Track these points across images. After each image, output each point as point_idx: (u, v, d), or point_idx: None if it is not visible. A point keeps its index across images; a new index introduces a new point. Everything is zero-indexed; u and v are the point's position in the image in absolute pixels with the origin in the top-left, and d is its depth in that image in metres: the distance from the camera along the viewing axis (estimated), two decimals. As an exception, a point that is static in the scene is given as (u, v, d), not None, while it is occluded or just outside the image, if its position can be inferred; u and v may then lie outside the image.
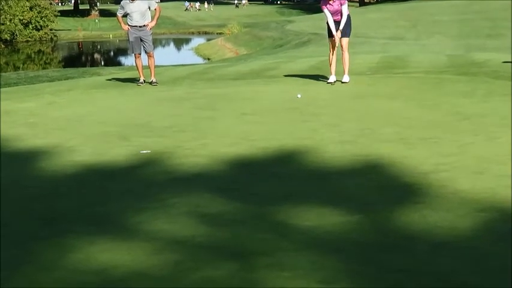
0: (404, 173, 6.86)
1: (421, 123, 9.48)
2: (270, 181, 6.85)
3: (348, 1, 14.64)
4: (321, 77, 15.39)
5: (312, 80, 15.25)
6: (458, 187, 6.24)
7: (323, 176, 6.97)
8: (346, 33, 14.66)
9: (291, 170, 7.29)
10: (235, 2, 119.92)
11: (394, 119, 9.87)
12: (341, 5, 14.43)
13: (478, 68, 16.57)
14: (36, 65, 48.14)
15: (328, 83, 14.59)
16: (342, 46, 14.70)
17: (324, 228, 5.31)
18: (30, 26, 69.85)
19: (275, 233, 5.23)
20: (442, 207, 5.70)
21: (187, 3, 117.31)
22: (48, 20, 72.12)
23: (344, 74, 14.65)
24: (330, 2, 14.40)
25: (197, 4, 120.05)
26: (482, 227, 5.22)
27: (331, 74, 14.78)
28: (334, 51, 14.78)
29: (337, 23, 14.61)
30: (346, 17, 14.52)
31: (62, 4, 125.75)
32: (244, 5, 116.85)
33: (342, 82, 14.47)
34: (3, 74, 24.38)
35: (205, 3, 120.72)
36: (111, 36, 73.95)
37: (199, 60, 44.20)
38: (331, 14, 14.55)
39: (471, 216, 5.44)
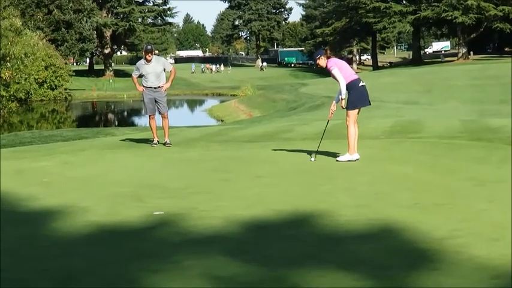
0: (419, 238, 6.83)
1: (435, 189, 9.46)
2: (285, 244, 6.83)
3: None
4: (335, 141, 15.36)
5: (326, 143, 15.24)
6: (474, 253, 6.20)
7: (338, 240, 6.95)
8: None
9: (306, 233, 7.27)
10: (260, 65, 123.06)
11: (408, 184, 9.86)
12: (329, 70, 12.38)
13: (492, 133, 16.57)
14: (50, 124, 48.56)
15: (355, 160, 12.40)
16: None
17: (338, 293, 5.28)
18: (45, 85, 70.70)
19: (289, 297, 5.20)
20: (457, 273, 5.67)
21: (193, 66, 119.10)
22: (63, 79, 73.04)
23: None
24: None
25: (214, 66, 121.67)
26: (498, 294, 5.19)
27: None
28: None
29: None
30: (341, 86, 12.18)
31: (77, 64, 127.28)
32: (265, 67, 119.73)
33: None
34: (17, 132, 24.54)
35: (221, 65, 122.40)
36: (125, 96, 74.63)
37: (213, 122, 44.46)
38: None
39: (486, 283, 5.41)
